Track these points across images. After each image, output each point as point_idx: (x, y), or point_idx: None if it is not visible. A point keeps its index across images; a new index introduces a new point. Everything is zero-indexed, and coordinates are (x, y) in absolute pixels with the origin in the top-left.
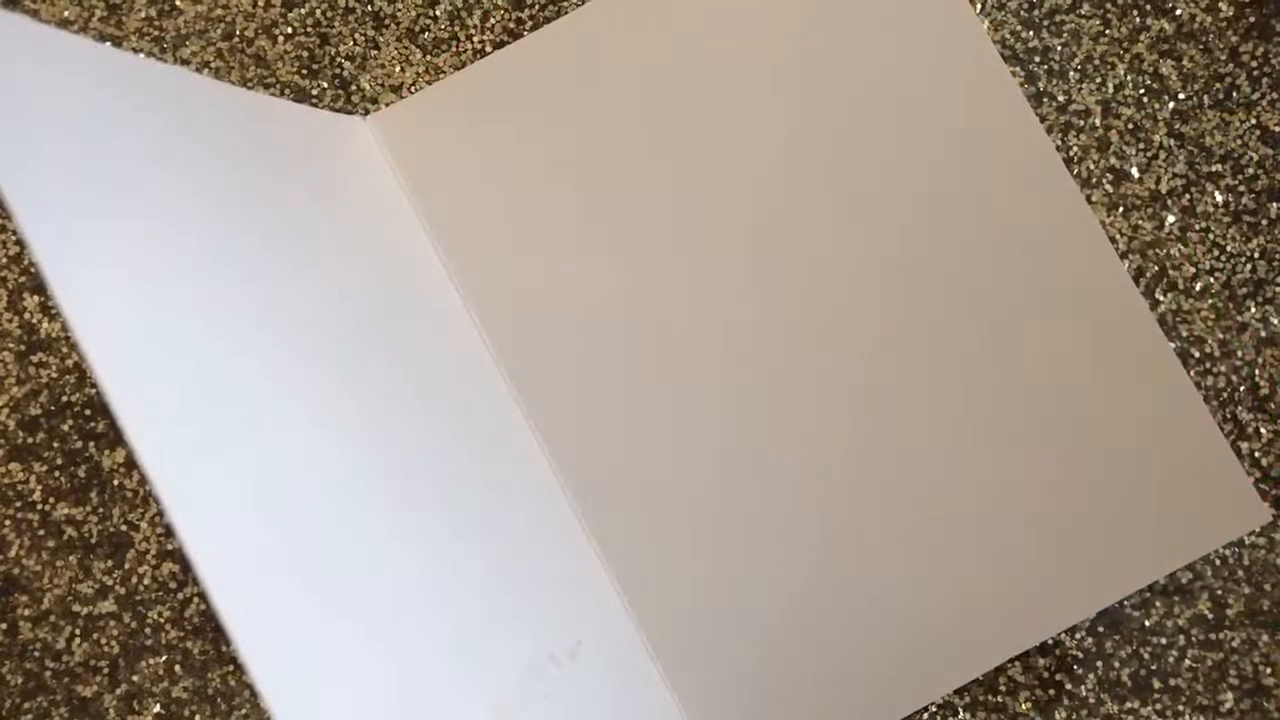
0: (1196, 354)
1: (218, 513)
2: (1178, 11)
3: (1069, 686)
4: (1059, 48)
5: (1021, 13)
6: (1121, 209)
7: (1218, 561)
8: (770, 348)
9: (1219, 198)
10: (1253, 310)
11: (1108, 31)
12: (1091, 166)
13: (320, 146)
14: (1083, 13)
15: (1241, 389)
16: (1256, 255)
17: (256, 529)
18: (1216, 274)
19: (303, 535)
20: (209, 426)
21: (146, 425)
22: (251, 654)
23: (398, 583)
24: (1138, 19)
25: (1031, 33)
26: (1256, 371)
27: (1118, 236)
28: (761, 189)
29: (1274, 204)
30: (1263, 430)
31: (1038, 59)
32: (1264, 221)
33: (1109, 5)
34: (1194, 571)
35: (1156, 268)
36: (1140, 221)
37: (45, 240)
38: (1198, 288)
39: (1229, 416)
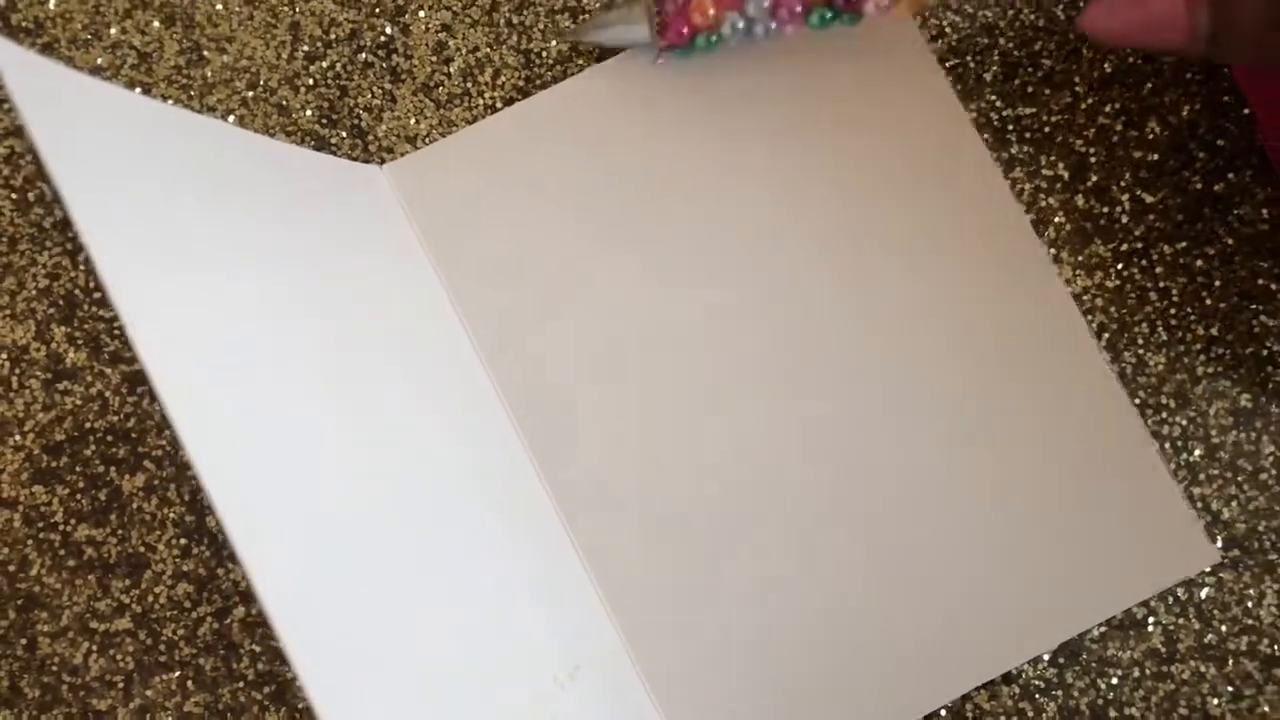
0: (1154, 404)
1: (275, 539)
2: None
3: (1031, 714)
4: (1030, 114)
5: (997, 84)
6: (1085, 268)
7: (1170, 599)
8: (767, 390)
9: (1179, 259)
10: (1207, 365)
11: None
12: (1061, 221)
13: (341, 192)
14: (1054, 84)
15: (1196, 437)
16: (1211, 314)
17: (299, 562)
18: (1175, 330)
19: (336, 566)
20: (259, 447)
21: (204, 445)
22: (304, 669)
23: (416, 608)
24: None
25: (1003, 101)
26: (1209, 421)
27: (1082, 294)
28: (757, 245)
29: (1226, 265)
30: (1214, 476)
31: (1010, 127)
32: (1217, 283)
33: (1077, 81)
34: (1148, 608)
35: (1117, 325)
36: (1103, 280)
37: (118, 280)
38: (1157, 341)
39: (1184, 463)
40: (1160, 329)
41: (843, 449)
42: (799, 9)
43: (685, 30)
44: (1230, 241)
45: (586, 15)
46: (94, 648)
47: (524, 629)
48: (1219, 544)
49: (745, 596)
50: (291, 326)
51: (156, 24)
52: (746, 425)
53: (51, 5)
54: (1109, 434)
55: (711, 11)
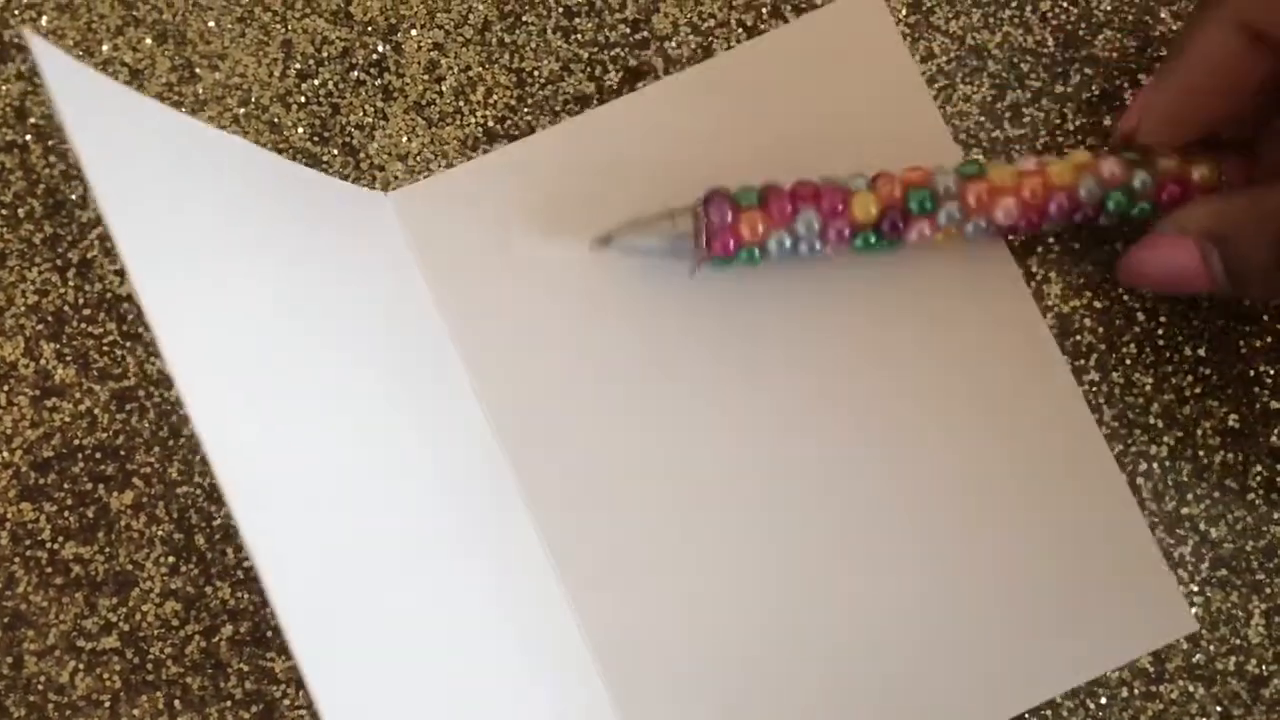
0: (1142, 424)
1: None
2: None
3: None
4: (1016, 136)
5: (985, 103)
6: (1074, 288)
7: None
8: (753, 432)
9: (1171, 316)
10: (1194, 385)
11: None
12: (1050, 243)
13: (345, 216)
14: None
15: (1184, 456)
16: (1198, 335)
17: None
18: (1163, 350)
19: (353, 598)
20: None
21: (227, 454)
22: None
23: (424, 650)
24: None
25: (992, 122)
26: (1197, 441)
27: (1071, 315)
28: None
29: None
30: (1201, 496)
31: (999, 149)
32: (1204, 304)
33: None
34: None
35: (1105, 346)
36: (1092, 301)
37: (150, 291)
38: (1145, 361)
39: (1171, 484)
40: (1148, 349)
41: (824, 502)
42: (846, 232)
43: (732, 244)
44: None
45: (580, 45)
46: (80, 666)
47: (511, 680)
48: (1206, 564)
49: (730, 644)
50: (295, 342)
51: (149, 41)
52: (734, 468)
53: (44, 22)
54: (1095, 503)
55: (760, 228)
